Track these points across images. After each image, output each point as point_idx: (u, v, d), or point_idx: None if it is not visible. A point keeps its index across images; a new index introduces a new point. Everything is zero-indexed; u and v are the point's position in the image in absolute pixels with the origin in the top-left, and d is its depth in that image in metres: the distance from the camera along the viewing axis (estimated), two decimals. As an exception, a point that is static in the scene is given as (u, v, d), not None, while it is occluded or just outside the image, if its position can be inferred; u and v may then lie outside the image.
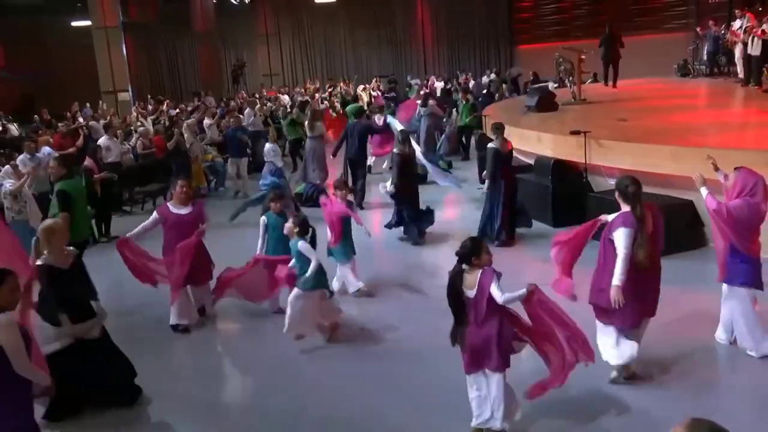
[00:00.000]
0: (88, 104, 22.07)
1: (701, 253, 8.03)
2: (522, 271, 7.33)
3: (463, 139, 16.68)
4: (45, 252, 5.21)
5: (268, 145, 12.10)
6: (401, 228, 9.74)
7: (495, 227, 8.99)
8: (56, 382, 4.31)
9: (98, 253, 9.74)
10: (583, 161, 9.51)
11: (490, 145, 9.13)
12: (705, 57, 19.22)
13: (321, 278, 6.38)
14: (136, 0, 27.62)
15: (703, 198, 5.56)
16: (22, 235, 9.03)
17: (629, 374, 5.26)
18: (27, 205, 9.13)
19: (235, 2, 30.77)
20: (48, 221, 5.71)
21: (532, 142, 10.72)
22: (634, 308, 5.04)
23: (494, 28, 31.55)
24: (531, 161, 10.95)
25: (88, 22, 24.31)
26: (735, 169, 5.58)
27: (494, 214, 9.01)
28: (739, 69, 15.44)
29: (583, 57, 14.33)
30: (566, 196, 9.59)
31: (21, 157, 10.88)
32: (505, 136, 9.06)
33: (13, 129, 17.91)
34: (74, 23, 27.59)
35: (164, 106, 20.79)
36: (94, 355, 5.35)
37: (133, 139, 14.50)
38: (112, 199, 11.78)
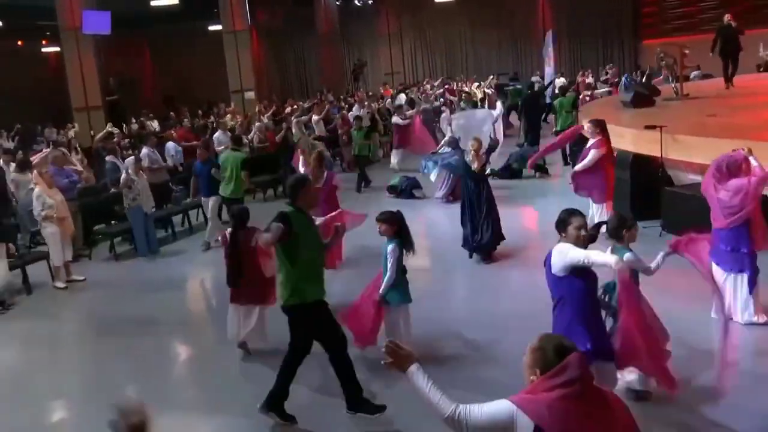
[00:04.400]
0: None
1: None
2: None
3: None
4: None
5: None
6: None
7: None
8: None
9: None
10: (659, 155, 9.58)
11: None
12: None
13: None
14: (265, 5, 29.38)
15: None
16: (136, 218, 10.36)
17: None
18: (141, 193, 10.32)
19: (358, 3, 31.99)
20: None
21: (615, 137, 10.81)
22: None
23: (618, 23, 30.91)
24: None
25: (220, 27, 26.19)
26: None
27: None
28: None
29: (686, 52, 14.09)
30: (644, 190, 9.71)
31: (144, 150, 12.25)
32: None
33: (150, 125, 19.79)
34: (210, 27, 29.70)
35: (287, 105, 22.25)
36: None
37: (251, 134, 15.76)
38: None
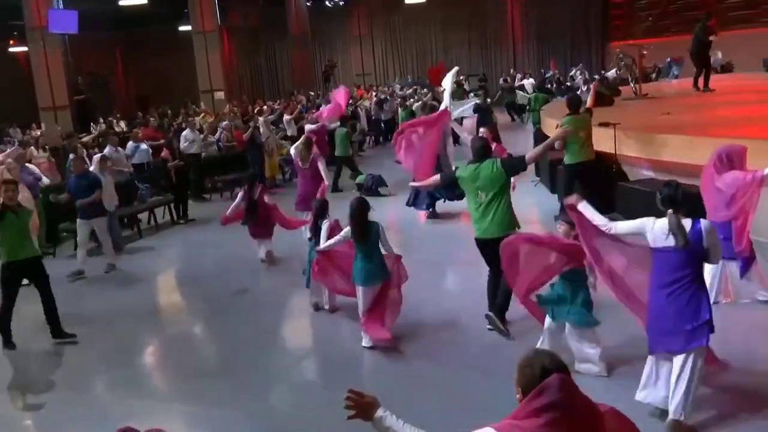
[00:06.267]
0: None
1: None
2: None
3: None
4: None
5: None
6: None
7: None
8: None
9: (176, 233, 11.04)
10: (613, 152, 9.88)
11: None
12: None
13: None
14: (237, 6, 29.41)
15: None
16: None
17: None
18: (104, 190, 10.33)
19: (329, 4, 32.14)
20: None
21: (573, 134, 11.10)
22: None
23: (586, 26, 31.44)
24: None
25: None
26: None
27: None
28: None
29: (644, 53, 14.45)
30: (599, 185, 9.97)
31: (107, 149, 12.32)
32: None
33: (118, 126, 19.79)
34: (181, 28, 29.63)
35: (256, 105, 22.33)
36: None
37: (218, 133, 15.84)
38: (190, 186, 13.06)
